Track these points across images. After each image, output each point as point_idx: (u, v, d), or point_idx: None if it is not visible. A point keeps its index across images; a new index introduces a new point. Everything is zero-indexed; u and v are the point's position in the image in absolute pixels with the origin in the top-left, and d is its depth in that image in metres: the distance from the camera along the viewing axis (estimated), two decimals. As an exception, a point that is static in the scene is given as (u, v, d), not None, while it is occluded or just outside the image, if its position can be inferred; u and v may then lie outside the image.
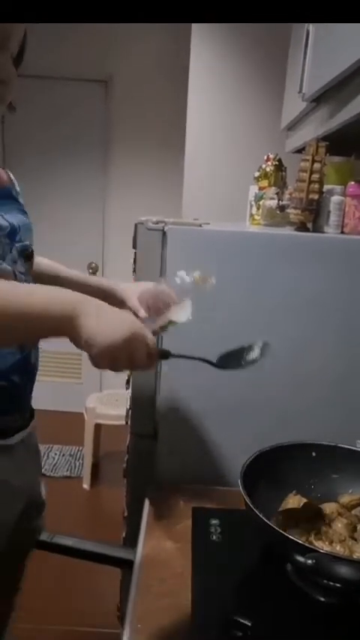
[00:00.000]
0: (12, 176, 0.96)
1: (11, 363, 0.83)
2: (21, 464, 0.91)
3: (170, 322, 0.81)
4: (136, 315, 0.87)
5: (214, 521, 0.97)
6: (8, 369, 0.83)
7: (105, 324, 0.65)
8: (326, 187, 1.21)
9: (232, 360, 0.80)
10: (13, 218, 0.86)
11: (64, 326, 0.65)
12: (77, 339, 0.66)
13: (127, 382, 1.20)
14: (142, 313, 0.91)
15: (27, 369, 0.87)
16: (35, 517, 0.99)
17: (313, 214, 1.20)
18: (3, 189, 0.89)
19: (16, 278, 0.83)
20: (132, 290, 0.98)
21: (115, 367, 0.68)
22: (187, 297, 0.82)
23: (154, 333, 0.77)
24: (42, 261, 1.07)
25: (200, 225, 1.11)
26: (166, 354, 0.77)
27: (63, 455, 2.97)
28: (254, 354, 0.81)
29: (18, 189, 0.96)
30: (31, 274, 0.96)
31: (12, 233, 0.84)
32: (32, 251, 0.96)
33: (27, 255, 0.91)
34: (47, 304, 0.65)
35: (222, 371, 0.79)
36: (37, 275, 1.01)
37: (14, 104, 0.86)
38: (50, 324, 0.66)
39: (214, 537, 0.93)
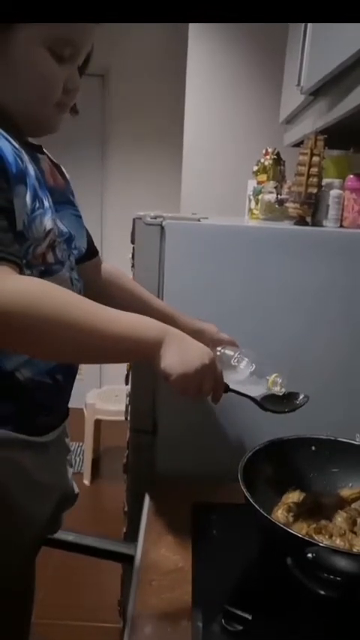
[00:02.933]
0: (66, 173, 0.96)
1: (57, 363, 0.84)
2: (54, 460, 0.92)
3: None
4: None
5: (214, 516, 0.97)
6: (54, 368, 0.84)
7: (183, 355, 0.72)
8: (325, 181, 1.21)
9: (273, 402, 0.87)
10: (70, 225, 0.87)
11: (148, 352, 0.72)
12: (156, 365, 0.72)
13: (127, 378, 1.20)
14: (224, 336, 1.02)
15: (70, 370, 0.89)
16: (64, 510, 1.01)
17: (312, 208, 1.20)
18: (61, 193, 0.89)
19: (72, 285, 0.84)
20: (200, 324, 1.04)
21: (186, 393, 0.75)
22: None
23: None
24: (109, 269, 1.08)
25: (198, 220, 1.11)
26: (225, 388, 0.82)
27: (63, 451, 2.97)
28: (296, 402, 0.89)
29: (70, 184, 0.96)
30: (97, 280, 1.02)
31: (69, 240, 0.86)
32: (95, 252, 1.02)
33: (82, 257, 0.94)
34: (135, 330, 0.71)
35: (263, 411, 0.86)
36: (106, 282, 1.04)
37: (77, 108, 0.89)
38: (134, 348, 0.72)
39: (214, 532, 0.93)
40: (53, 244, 0.79)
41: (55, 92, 0.78)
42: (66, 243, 0.84)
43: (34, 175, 0.74)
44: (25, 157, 0.73)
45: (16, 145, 0.72)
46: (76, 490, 1.03)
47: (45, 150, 0.89)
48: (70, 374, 0.90)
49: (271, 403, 0.87)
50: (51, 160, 0.90)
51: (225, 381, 0.81)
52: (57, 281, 0.78)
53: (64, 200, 0.89)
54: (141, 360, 0.74)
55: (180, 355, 0.72)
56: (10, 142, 0.71)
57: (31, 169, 0.74)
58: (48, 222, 0.75)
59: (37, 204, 0.73)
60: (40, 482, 0.87)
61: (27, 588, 1.03)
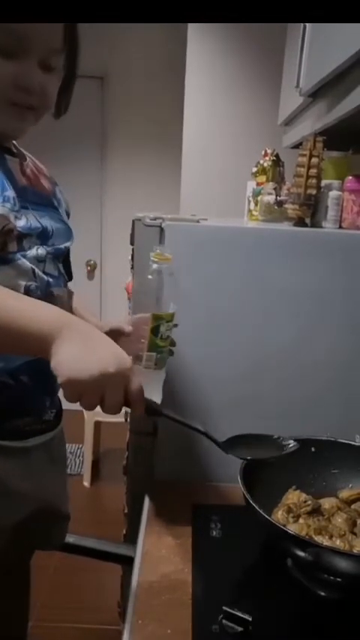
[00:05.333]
0: (57, 188, 0.97)
1: (20, 364, 0.81)
2: (36, 468, 0.87)
3: (156, 317, 0.81)
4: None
5: (215, 517, 0.97)
6: (16, 369, 0.81)
7: (80, 355, 0.60)
8: (324, 182, 1.21)
9: (244, 444, 0.77)
10: (47, 222, 0.86)
11: (38, 345, 0.61)
12: (49, 363, 0.61)
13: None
14: (128, 328, 0.96)
15: (40, 370, 0.82)
16: (50, 526, 0.94)
17: (311, 209, 1.20)
18: (42, 196, 0.90)
19: (34, 277, 0.81)
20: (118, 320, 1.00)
21: (84, 404, 0.62)
22: (161, 293, 0.84)
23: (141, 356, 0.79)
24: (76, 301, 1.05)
25: (198, 221, 1.11)
26: (155, 412, 0.70)
27: (63, 452, 2.97)
28: (278, 449, 0.79)
29: (60, 197, 0.96)
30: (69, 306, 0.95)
31: (44, 235, 0.85)
32: (70, 277, 0.96)
33: (64, 259, 0.92)
34: (25, 316, 0.61)
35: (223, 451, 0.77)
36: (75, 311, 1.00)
37: (62, 109, 0.87)
38: (22, 338, 0.61)
39: (215, 533, 0.93)
40: (12, 234, 0.76)
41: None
42: (40, 238, 0.84)
43: None
44: None
45: None
46: (67, 509, 0.96)
47: (30, 156, 0.91)
48: (39, 375, 0.83)
49: (239, 444, 0.76)
50: (36, 167, 0.91)
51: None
52: (14, 269, 0.77)
53: (45, 203, 0.90)
54: (36, 355, 0.62)
55: (76, 355, 0.59)
56: None
57: None
58: None
59: None
60: (9, 489, 0.82)
61: (20, 591, 1.02)
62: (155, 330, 0.81)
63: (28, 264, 0.81)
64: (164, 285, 0.84)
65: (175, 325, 0.86)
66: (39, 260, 0.84)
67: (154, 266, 0.85)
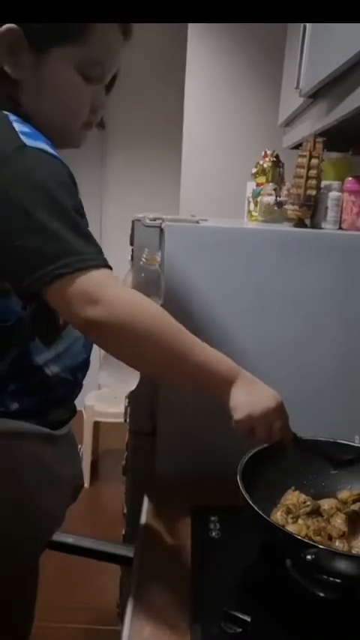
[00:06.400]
0: None
1: (80, 361, 0.88)
2: (67, 453, 0.95)
3: None
4: None
5: (214, 518, 0.97)
6: (77, 366, 0.87)
7: (251, 396, 0.77)
8: (324, 183, 1.21)
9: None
10: None
11: (219, 387, 0.77)
12: (225, 403, 0.77)
13: (126, 379, 1.20)
14: None
15: (87, 368, 0.93)
16: (70, 504, 1.02)
17: (311, 210, 1.20)
18: None
19: None
20: None
21: (253, 435, 0.79)
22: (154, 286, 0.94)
23: None
24: None
25: (197, 222, 1.11)
26: (295, 438, 0.86)
27: (62, 453, 2.96)
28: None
29: None
30: None
31: None
32: None
33: None
34: (212, 362, 0.75)
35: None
36: None
37: (104, 122, 0.92)
38: (208, 380, 0.77)
39: (214, 534, 0.93)
40: None
41: (83, 111, 0.81)
42: None
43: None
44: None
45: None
46: (84, 482, 1.04)
47: None
48: (86, 371, 0.92)
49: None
50: None
51: None
52: None
53: None
54: (211, 394, 0.77)
55: (248, 396, 0.76)
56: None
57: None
58: None
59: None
60: (58, 477, 0.89)
61: (31, 589, 1.03)
62: None
63: None
64: (153, 283, 0.98)
65: None
66: None
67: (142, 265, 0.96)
